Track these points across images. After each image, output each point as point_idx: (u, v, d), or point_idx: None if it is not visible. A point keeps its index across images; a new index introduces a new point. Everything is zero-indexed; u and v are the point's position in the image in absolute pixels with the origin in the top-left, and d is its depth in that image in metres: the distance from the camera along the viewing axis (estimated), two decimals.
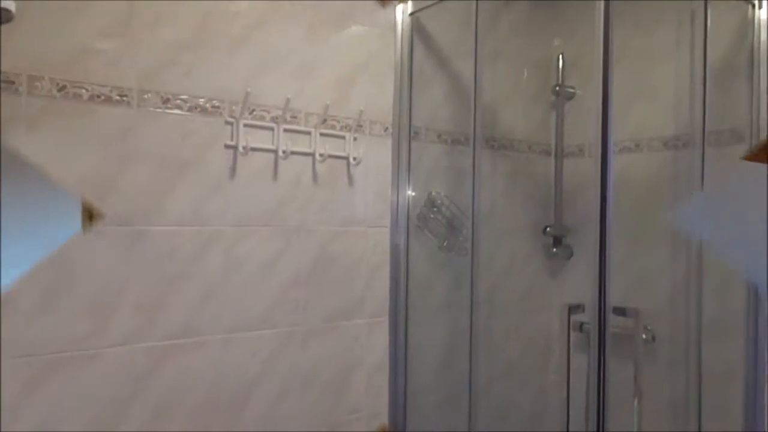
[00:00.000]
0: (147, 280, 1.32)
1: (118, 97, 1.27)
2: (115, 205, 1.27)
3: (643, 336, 1.74)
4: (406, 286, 1.74)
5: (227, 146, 1.41)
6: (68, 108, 1.22)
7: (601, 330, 1.30)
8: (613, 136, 1.47)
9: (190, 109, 1.36)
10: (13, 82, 1.16)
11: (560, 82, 2.02)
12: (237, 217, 1.44)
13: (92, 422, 1.26)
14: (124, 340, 1.29)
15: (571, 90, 2.02)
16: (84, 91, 1.23)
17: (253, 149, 1.44)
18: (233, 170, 1.43)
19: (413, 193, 1.76)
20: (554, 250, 2.04)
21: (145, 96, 1.30)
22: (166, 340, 1.35)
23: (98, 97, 1.25)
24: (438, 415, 1.83)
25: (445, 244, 1.82)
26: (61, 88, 1.21)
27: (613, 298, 1.39)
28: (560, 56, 2.01)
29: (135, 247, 1.30)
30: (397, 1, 1.71)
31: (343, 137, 1.59)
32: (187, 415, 1.37)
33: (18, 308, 1.17)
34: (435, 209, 1.80)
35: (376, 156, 1.67)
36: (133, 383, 1.30)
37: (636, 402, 1.65)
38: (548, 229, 2.03)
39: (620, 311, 1.46)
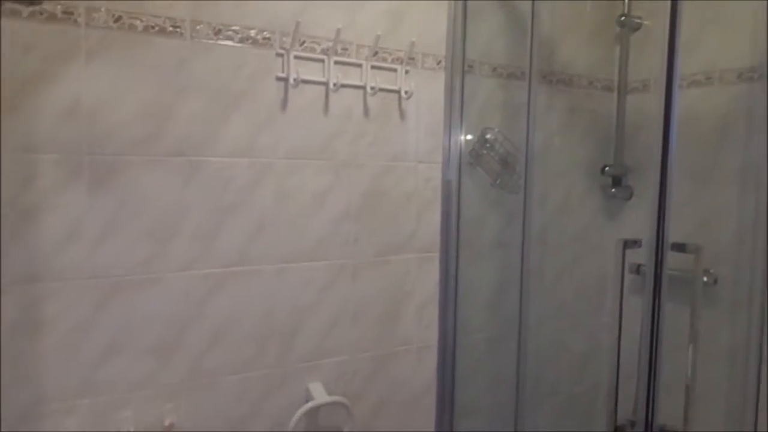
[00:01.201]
0: (203, 210, 1.36)
1: (171, 28, 1.29)
2: (171, 136, 1.31)
3: (704, 279, 1.68)
4: (458, 222, 1.73)
5: (278, 78, 1.42)
6: (124, 39, 1.24)
7: (657, 267, 1.26)
8: (681, 70, 1.39)
9: (241, 41, 1.36)
10: (71, 13, 1.19)
11: (626, 11, 1.90)
12: (288, 150, 1.45)
13: (156, 342, 1.34)
14: (183, 266, 1.35)
15: (638, 20, 1.90)
16: (138, 21, 1.25)
17: (304, 81, 1.44)
18: (284, 103, 1.43)
19: (466, 129, 1.73)
20: (613, 190, 1.97)
21: (198, 27, 1.31)
22: (223, 268, 1.40)
23: (152, 28, 1.27)
24: (487, 352, 1.85)
25: (498, 181, 1.78)
26: (117, 19, 1.23)
27: (673, 236, 1.35)
28: None
29: (191, 178, 1.34)
30: None
31: (394, 70, 1.57)
32: (243, 338, 1.43)
33: (83, 234, 1.24)
34: (488, 146, 1.76)
35: (428, 90, 1.64)
36: (193, 307, 1.37)
37: (691, 348, 1.60)
38: (607, 168, 1.96)
39: (680, 247, 1.40)
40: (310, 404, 1.48)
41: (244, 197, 1.41)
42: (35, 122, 1.18)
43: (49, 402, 1.23)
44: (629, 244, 1.43)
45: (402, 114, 1.60)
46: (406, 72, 1.58)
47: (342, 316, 1.57)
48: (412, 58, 1.59)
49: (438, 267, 1.71)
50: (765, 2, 1.57)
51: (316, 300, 1.53)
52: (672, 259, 1.36)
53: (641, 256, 1.43)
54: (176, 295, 1.35)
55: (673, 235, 1.35)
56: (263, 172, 1.42)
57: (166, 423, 1.34)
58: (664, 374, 1.31)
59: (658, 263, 1.24)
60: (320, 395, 1.51)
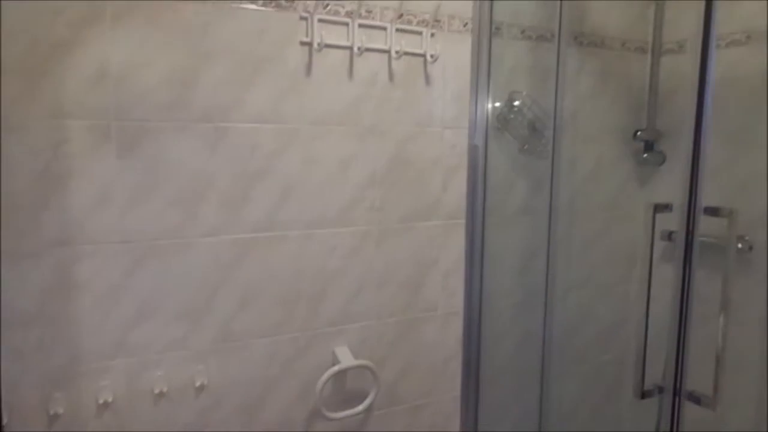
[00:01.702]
0: (230, 176, 1.37)
1: None
2: (197, 102, 1.31)
3: (739, 245, 1.64)
4: (484, 188, 1.72)
5: (302, 43, 1.41)
6: (149, 3, 1.24)
7: (689, 231, 1.23)
8: (719, 29, 1.34)
9: (264, 4, 1.35)
10: None
11: None
12: (313, 116, 1.45)
13: (186, 305, 1.37)
14: (211, 232, 1.37)
15: None
16: None
17: (328, 46, 1.43)
18: (309, 68, 1.43)
19: (493, 94, 1.69)
20: (645, 155, 1.93)
21: None
22: (250, 233, 1.41)
23: None
24: (513, 319, 1.85)
25: (525, 147, 1.76)
26: None
27: (706, 201, 1.32)
28: None
29: (218, 144, 1.35)
30: None
31: (419, 33, 1.54)
32: (270, 303, 1.46)
33: (114, 199, 1.27)
34: (516, 110, 1.73)
35: (454, 54, 1.61)
36: (221, 272, 1.39)
37: (722, 317, 1.57)
38: (639, 133, 1.91)
39: (713, 211, 1.36)
40: (336, 367, 1.50)
41: (270, 163, 1.41)
42: (64, 88, 1.20)
43: (86, 362, 1.27)
44: (660, 208, 1.39)
45: (427, 78, 1.58)
46: (432, 35, 1.55)
47: (367, 282, 1.58)
48: (438, 21, 1.56)
49: (464, 234, 1.70)
50: None
51: (342, 265, 1.54)
52: (705, 225, 1.33)
53: (673, 222, 1.40)
54: (205, 260, 1.37)
55: (706, 200, 1.32)
56: (289, 138, 1.43)
57: (197, 383, 1.38)
58: (694, 342, 1.29)
59: (690, 227, 1.21)
60: (346, 359, 1.53)
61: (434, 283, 1.68)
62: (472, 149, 1.69)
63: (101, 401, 1.28)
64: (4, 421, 1.16)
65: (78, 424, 1.27)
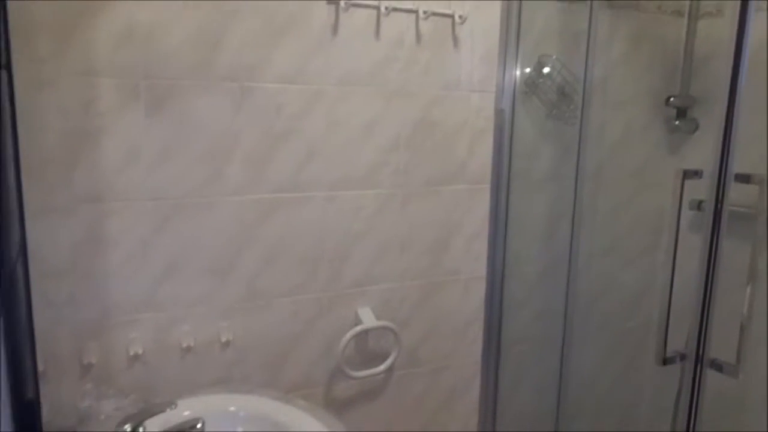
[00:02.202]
0: (255, 135, 1.38)
1: None
2: (223, 61, 1.32)
3: None
4: (510, 154, 1.70)
5: (329, 1, 1.39)
6: None
7: (719, 199, 1.21)
8: None
9: None
10: None
11: None
12: (339, 77, 1.44)
13: (211, 263, 1.39)
14: (236, 191, 1.39)
15: None
16: None
17: (355, 5, 1.41)
18: (335, 27, 1.41)
19: (522, 57, 1.66)
20: (677, 122, 1.88)
21: None
22: (274, 194, 1.43)
23: None
24: (535, 285, 1.85)
25: (553, 112, 1.73)
26: None
27: (738, 168, 1.29)
28: None
29: (243, 103, 1.36)
30: None
31: None
32: (294, 263, 1.48)
33: (142, 157, 1.29)
34: (545, 74, 1.70)
35: (483, 15, 1.58)
36: (246, 231, 1.41)
37: (749, 288, 1.54)
38: (672, 99, 1.87)
39: (744, 178, 1.33)
40: (359, 328, 1.53)
41: (295, 124, 1.42)
42: (94, 46, 1.21)
43: (116, 315, 1.31)
44: (689, 174, 1.37)
45: (455, 40, 1.56)
46: None
47: (390, 245, 1.59)
48: None
49: (488, 199, 1.69)
50: None
51: (365, 228, 1.55)
52: (735, 193, 1.30)
53: (702, 191, 1.37)
54: (230, 219, 1.39)
55: (737, 167, 1.29)
56: (314, 99, 1.43)
57: (223, 339, 1.42)
58: (719, 311, 1.28)
59: (720, 194, 1.19)
60: (369, 320, 1.55)
61: (458, 248, 1.68)
62: (499, 113, 1.67)
63: (131, 353, 1.33)
64: (41, 368, 1.21)
65: (110, 373, 1.32)
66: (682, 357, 1.30)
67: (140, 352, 1.34)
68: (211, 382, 1.42)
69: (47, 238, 1.23)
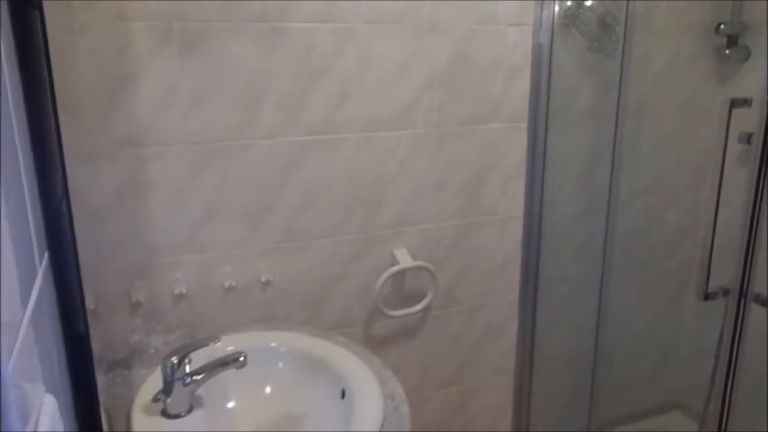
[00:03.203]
0: (288, 77, 1.37)
1: None
2: (254, 1, 1.30)
3: None
4: (548, 90, 1.65)
5: None
6: None
7: None
8: None
9: None
10: None
11: None
12: (370, 14, 1.41)
13: (250, 205, 1.41)
14: (271, 134, 1.39)
15: None
16: None
17: None
18: None
19: None
20: (727, 51, 1.78)
21: None
22: (309, 135, 1.43)
23: None
24: (574, 225, 1.82)
25: (594, 44, 1.66)
26: None
27: None
28: None
29: (275, 44, 1.34)
30: None
31: None
32: (330, 204, 1.49)
33: (177, 101, 1.30)
34: (585, 5, 1.62)
35: None
36: (281, 173, 1.43)
37: None
38: (722, 26, 1.76)
39: None
40: (395, 268, 1.54)
41: (327, 64, 1.40)
42: None
43: (159, 256, 1.36)
44: (737, 103, 1.30)
45: None
46: None
47: (426, 185, 1.58)
48: None
49: (525, 137, 1.66)
50: None
51: (400, 169, 1.54)
52: None
53: (752, 123, 1.31)
54: (265, 162, 1.41)
55: None
56: (345, 38, 1.40)
57: (263, 279, 1.45)
58: (764, 247, 1.23)
59: None
60: (405, 260, 1.57)
61: (494, 187, 1.66)
62: (537, 48, 1.61)
63: (176, 292, 1.38)
64: (92, 306, 1.27)
65: (157, 311, 1.37)
66: (725, 292, 1.27)
67: (184, 291, 1.39)
68: (253, 321, 1.46)
69: (89, 183, 1.26)
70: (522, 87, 1.61)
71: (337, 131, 1.45)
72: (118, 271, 1.33)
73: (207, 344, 1.08)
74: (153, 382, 1.11)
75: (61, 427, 0.54)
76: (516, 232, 1.72)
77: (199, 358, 1.08)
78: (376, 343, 1.63)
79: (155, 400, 1.04)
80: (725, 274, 1.32)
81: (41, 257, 0.64)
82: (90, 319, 0.79)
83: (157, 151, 1.31)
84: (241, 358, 1.07)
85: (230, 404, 1.19)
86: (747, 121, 1.48)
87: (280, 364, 1.26)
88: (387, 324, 1.63)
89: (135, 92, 1.26)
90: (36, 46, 0.70)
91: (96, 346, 0.97)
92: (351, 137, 1.47)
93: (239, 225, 1.42)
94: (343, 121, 1.45)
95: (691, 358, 2.01)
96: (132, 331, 1.33)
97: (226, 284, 1.42)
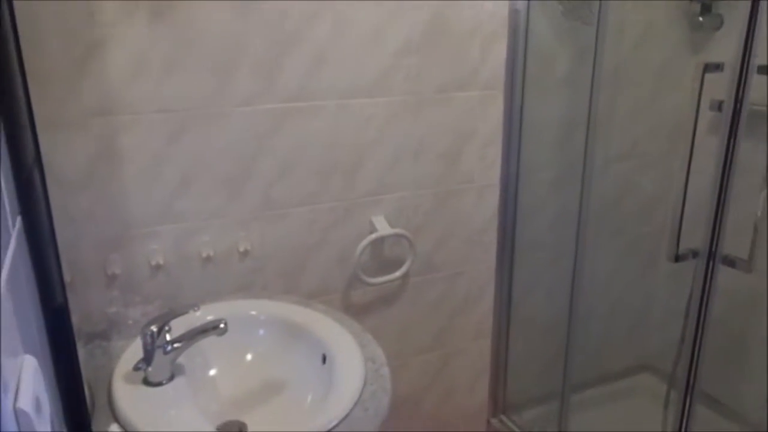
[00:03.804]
0: (262, 43, 1.35)
1: None
2: None
3: None
4: (524, 57, 1.65)
5: None
6: None
7: (739, 91, 1.16)
8: None
9: None
10: None
11: None
12: None
13: (227, 174, 1.40)
14: (246, 101, 1.38)
15: None
16: None
17: None
18: None
19: None
20: (700, 19, 1.80)
21: None
22: (285, 103, 1.41)
23: None
24: (550, 191, 1.84)
25: (570, 11, 1.66)
26: None
27: (762, 60, 1.24)
28: None
29: (248, 9, 1.31)
30: None
31: None
32: (308, 172, 1.48)
33: (148, 68, 1.27)
34: None
35: None
36: (258, 142, 1.41)
37: (765, 191, 1.52)
38: None
39: (765, 69, 1.29)
40: (374, 235, 1.55)
41: (302, 29, 1.38)
42: None
43: (136, 227, 1.34)
44: (710, 68, 1.32)
45: None
46: None
47: (403, 153, 1.58)
48: None
49: (502, 104, 1.66)
50: None
51: (378, 136, 1.54)
52: (754, 92, 1.26)
53: (722, 90, 1.33)
54: (242, 130, 1.39)
55: (760, 60, 1.24)
56: (320, 3, 1.38)
57: (241, 249, 1.45)
58: (732, 216, 1.26)
59: (741, 87, 1.15)
60: (383, 227, 1.57)
61: (471, 155, 1.67)
62: (513, 14, 1.61)
63: (153, 263, 1.37)
64: (68, 279, 1.26)
65: (134, 283, 1.36)
66: (695, 254, 1.31)
67: (162, 262, 1.38)
68: (232, 290, 1.46)
69: (62, 153, 1.24)
70: (499, 54, 1.61)
71: (313, 98, 1.44)
72: (93, 243, 1.31)
73: (186, 312, 1.08)
74: (133, 351, 1.11)
75: (42, 386, 0.54)
76: (493, 199, 1.74)
77: (178, 326, 1.08)
78: (355, 310, 1.65)
79: (136, 369, 1.04)
80: (696, 238, 1.36)
81: (14, 222, 0.63)
82: (67, 292, 0.79)
83: (130, 120, 1.28)
84: (222, 325, 1.07)
85: (212, 372, 1.20)
86: (719, 88, 1.50)
87: (261, 332, 1.27)
88: (366, 291, 1.65)
89: (105, 59, 1.23)
90: (2, 15, 0.68)
91: (74, 319, 0.96)
92: (328, 104, 1.46)
93: (216, 194, 1.41)
94: (319, 88, 1.44)
95: (661, 321, 2.07)
96: (110, 303, 1.32)
97: (204, 254, 1.42)
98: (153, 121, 1.30)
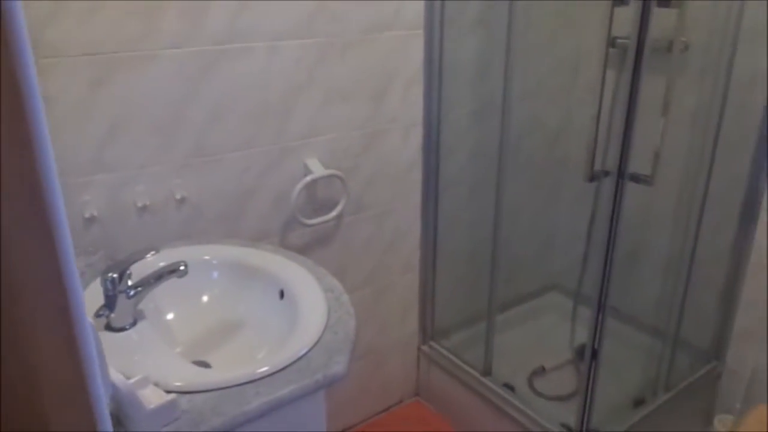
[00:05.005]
0: None
1: None
2: None
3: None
4: None
5: None
6: None
7: (643, 22, 1.29)
8: None
9: None
10: None
11: None
12: None
13: (158, 120, 1.36)
14: (174, 44, 1.33)
15: None
16: None
17: None
18: None
19: None
20: None
21: None
22: (214, 45, 1.38)
23: None
24: (470, 129, 1.94)
25: None
26: None
27: None
28: None
29: None
30: None
31: None
32: (240, 117, 1.47)
33: (68, 7, 1.19)
34: None
35: None
36: (189, 85, 1.38)
37: (664, 119, 1.68)
38: None
39: (665, 3, 1.44)
40: (309, 177, 1.58)
41: None
42: None
43: (66, 177, 1.28)
44: (617, 2, 1.45)
45: None
46: None
47: (333, 95, 1.60)
48: None
49: (423, 44, 1.72)
50: None
51: (307, 79, 1.55)
52: (657, 29, 1.40)
53: (625, 27, 1.46)
54: (171, 74, 1.35)
55: None
56: None
57: (178, 196, 1.43)
58: (636, 144, 1.41)
59: (644, 19, 1.28)
60: (317, 169, 1.60)
61: (396, 95, 1.72)
62: None
63: (87, 215, 1.32)
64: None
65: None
66: (606, 173, 1.47)
67: (95, 213, 1.33)
68: (172, 239, 1.44)
69: None
70: None
71: (243, 40, 1.42)
72: None
73: (144, 257, 1.07)
74: (88, 300, 1.08)
75: None
76: (417, 138, 1.82)
77: (138, 270, 1.06)
78: (294, 251, 1.67)
79: (98, 315, 1.02)
80: (605, 162, 1.52)
81: None
82: None
83: (51, 63, 1.21)
84: (182, 267, 1.08)
85: (169, 316, 1.20)
86: (620, 27, 1.64)
87: (215, 274, 1.27)
88: (303, 233, 1.68)
89: None
90: None
91: None
92: (257, 46, 1.44)
93: (149, 141, 1.37)
94: (248, 30, 1.42)
95: (566, 242, 2.28)
96: None
97: (140, 204, 1.38)
98: (76, 64, 1.23)
